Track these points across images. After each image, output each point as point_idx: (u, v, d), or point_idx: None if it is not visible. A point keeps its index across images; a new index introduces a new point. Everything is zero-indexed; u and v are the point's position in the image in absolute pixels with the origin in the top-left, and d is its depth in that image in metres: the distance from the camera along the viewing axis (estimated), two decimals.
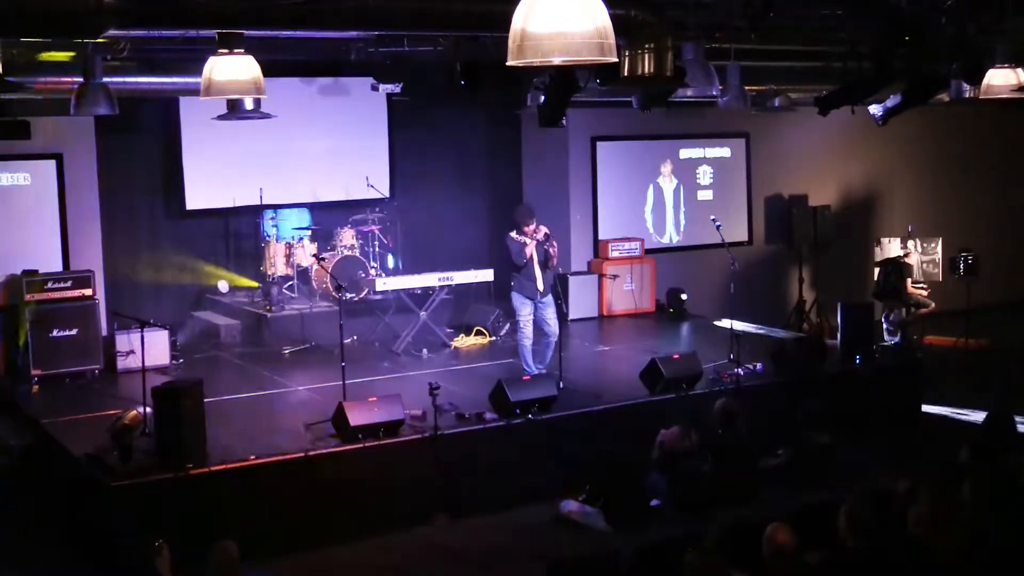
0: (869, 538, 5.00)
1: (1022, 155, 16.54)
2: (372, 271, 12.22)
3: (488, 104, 13.38)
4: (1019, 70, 9.45)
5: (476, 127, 14.00)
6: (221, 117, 10.64)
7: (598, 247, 13.83)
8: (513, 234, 9.74)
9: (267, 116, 10.67)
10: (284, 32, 8.12)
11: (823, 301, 14.70)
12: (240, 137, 12.24)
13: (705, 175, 14.75)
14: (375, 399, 8.25)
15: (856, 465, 8.77)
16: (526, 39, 4.04)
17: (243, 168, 12.46)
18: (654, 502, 7.99)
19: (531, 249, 9.62)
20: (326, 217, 12.80)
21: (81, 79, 8.88)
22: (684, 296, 13.49)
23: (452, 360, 11.12)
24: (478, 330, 11.92)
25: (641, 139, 14.18)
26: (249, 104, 10.19)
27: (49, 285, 10.45)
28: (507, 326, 11.93)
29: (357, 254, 12.30)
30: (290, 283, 12.30)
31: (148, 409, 8.08)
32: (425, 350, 11.26)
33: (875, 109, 10.84)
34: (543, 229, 9.71)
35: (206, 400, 7.99)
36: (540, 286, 9.68)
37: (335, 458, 7.89)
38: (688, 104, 12.46)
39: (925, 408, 10.63)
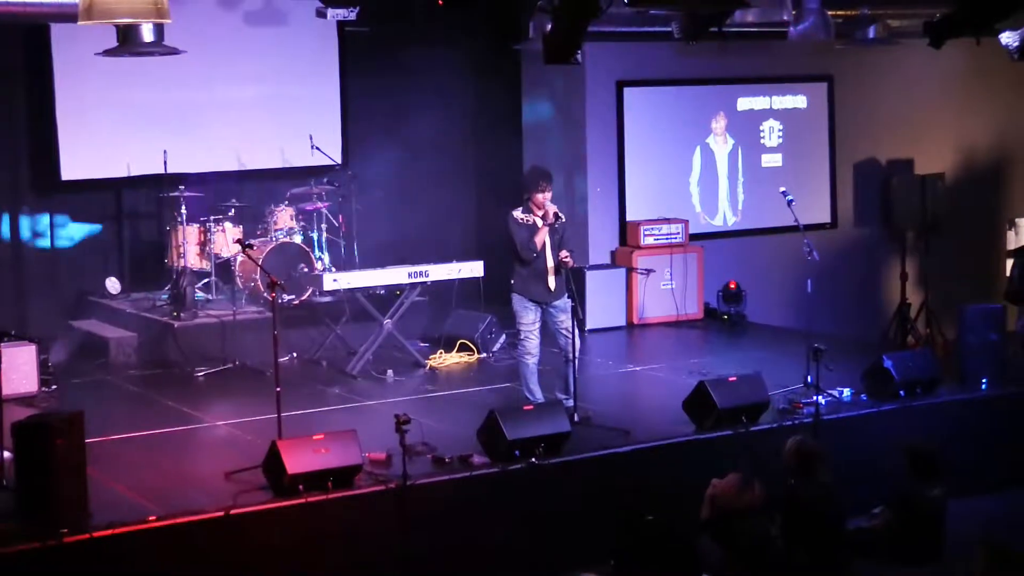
0: None
1: None
2: (318, 264, 12.16)
3: (476, 36, 13.33)
4: None
5: (460, 68, 13.96)
6: (108, 53, 10.58)
7: (626, 232, 13.80)
8: (517, 213, 9.66)
9: (173, 52, 10.61)
10: None
11: (935, 304, 14.66)
12: (137, 81, 12.19)
13: (772, 133, 14.71)
14: (322, 437, 8.19)
15: (982, 528, 8.70)
16: None
17: (140, 124, 12.42)
18: None
19: (543, 236, 9.56)
20: (255, 190, 12.78)
21: None
22: (742, 298, 13.44)
23: (428, 384, 11.09)
24: (463, 344, 11.89)
25: (685, 84, 14.15)
26: (148, 35, 10.12)
27: None
28: (502, 339, 11.89)
29: (298, 241, 12.24)
30: (206, 280, 12.26)
31: (6, 454, 8.00)
32: (390, 371, 11.23)
33: (1009, 39, 10.76)
34: (553, 208, 9.64)
35: (88, 440, 7.91)
36: (552, 285, 9.64)
37: (267, 517, 7.83)
38: (750, 35, 12.41)
39: None
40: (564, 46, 9.46)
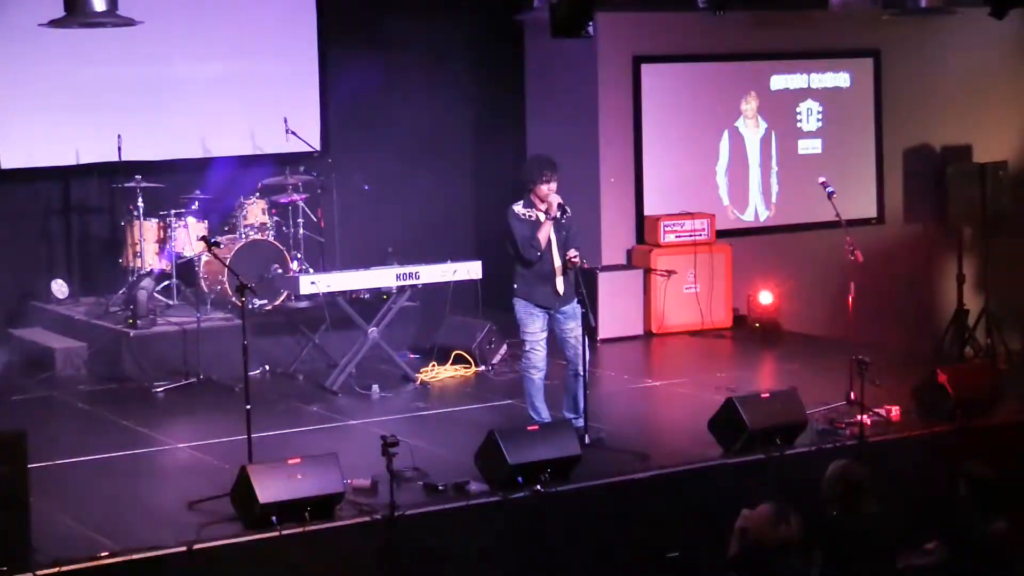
0: None
1: None
2: (293, 264, 12.17)
3: (474, 5, 13.32)
4: None
5: (455, 42, 13.97)
6: (54, 23, 10.59)
7: (643, 228, 13.81)
8: (518, 207, 9.68)
9: (128, 23, 10.62)
10: None
11: (996, 311, 14.64)
12: (86, 56, 12.20)
13: (811, 116, 14.72)
14: (298, 462, 8.20)
15: None
16: None
17: (91, 105, 12.46)
18: None
19: (546, 232, 9.56)
20: (222, 180, 12.77)
21: None
22: (773, 301, 13.45)
23: (418, 401, 11.11)
24: (459, 355, 11.91)
25: (711, 60, 14.16)
26: (99, 3, 10.13)
27: None
28: (503, 350, 11.93)
29: (270, 238, 12.26)
30: (167, 283, 12.27)
31: None
32: (376, 387, 11.24)
33: None
34: (557, 199, 9.65)
35: (31, 466, 7.88)
36: (560, 288, 9.65)
37: (235, 553, 7.82)
38: (785, 4, 12.41)
39: None
40: (574, 17, 9.48)
